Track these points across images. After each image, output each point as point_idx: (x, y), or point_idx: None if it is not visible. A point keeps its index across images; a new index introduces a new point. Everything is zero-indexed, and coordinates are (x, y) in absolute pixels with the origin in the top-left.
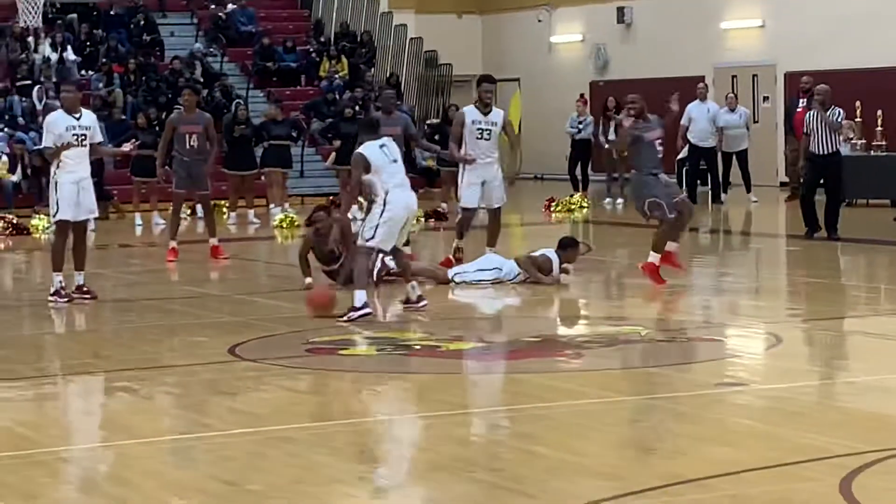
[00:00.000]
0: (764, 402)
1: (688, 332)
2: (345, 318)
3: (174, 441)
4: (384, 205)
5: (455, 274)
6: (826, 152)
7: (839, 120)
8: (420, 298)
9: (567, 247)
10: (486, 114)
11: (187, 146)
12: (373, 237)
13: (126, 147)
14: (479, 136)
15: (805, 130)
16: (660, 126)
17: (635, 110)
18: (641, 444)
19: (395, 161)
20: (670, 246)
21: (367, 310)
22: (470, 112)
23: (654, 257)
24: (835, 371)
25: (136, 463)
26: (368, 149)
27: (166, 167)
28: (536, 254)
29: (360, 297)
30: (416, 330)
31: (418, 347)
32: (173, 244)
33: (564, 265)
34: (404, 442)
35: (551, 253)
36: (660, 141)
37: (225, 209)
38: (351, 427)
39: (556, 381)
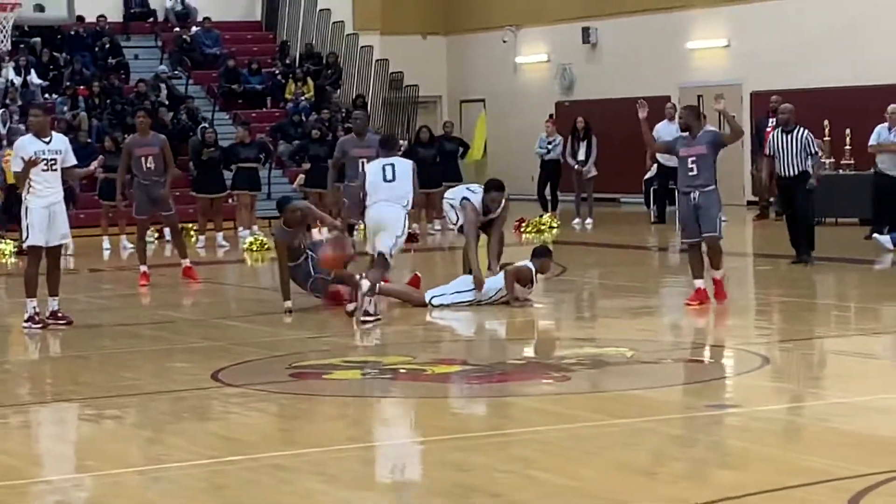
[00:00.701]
0: (759, 423)
1: (673, 353)
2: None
3: (165, 469)
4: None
5: (433, 297)
6: (793, 174)
7: (814, 148)
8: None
9: (541, 255)
10: (486, 214)
11: (144, 168)
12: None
13: (93, 165)
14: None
15: (769, 152)
16: (707, 143)
17: (682, 125)
18: (641, 468)
19: (390, 181)
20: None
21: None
22: (478, 205)
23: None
24: (825, 392)
25: (129, 492)
26: (372, 165)
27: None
28: (520, 264)
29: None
30: (399, 353)
31: (403, 371)
32: (144, 269)
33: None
34: (399, 468)
35: (530, 263)
36: (693, 158)
37: (193, 232)
38: (343, 453)
39: (546, 404)
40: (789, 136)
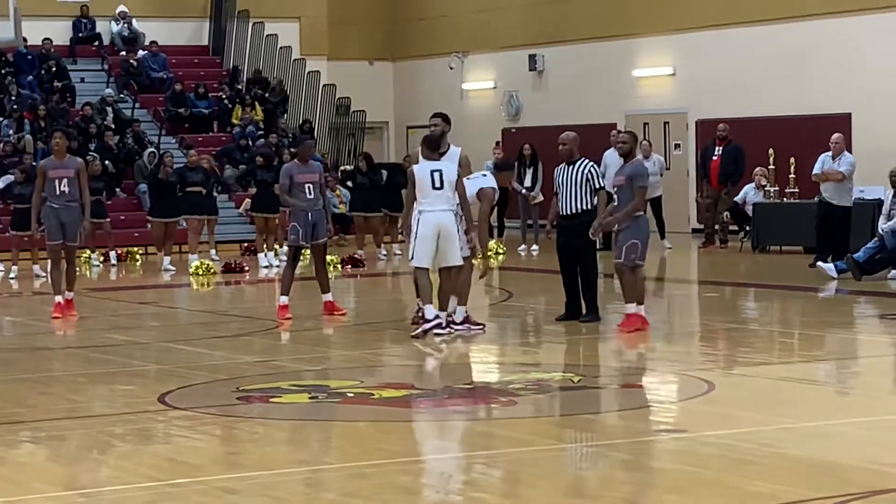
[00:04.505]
0: (706, 448)
1: (619, 378)
2: (420, 331)
3: (112, 491)
4: (417, 224)
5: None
6: (572, 212)
7: (598, 183)
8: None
9: (502, 169)
10: None
11: (57, 192)
12: (412, 257)
13: None
14: None
15: (554, 188)
16: (626, 172)
17: (622, 150)
18: (589, 493)
19: (438, 188)
20: None
21: (438, 321)
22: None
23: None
24: (772, 417)
25: None
26: (421, 169)
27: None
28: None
29: (429, 311)
30: (346, 377)
31: (351, 395)
32: (59, 299)
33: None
34: (348, 492)
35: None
36: (615, 188)
37: (139, 256)
38: (292, 476)
39: (495, 428)
40: (571, 169)
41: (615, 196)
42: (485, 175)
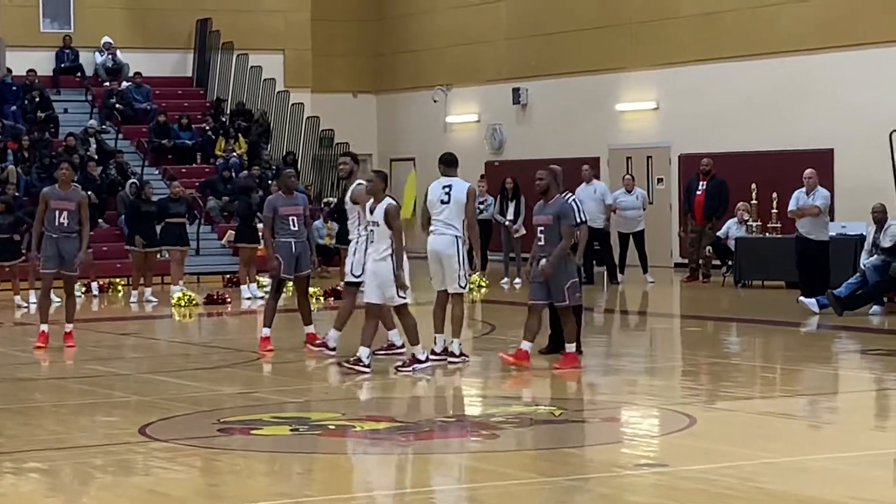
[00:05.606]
0: (687, 483)
1: (601, 412)
2: (409, 369)
3: None
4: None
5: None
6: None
7: (579, 217)
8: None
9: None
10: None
11: (56, 223)
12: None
13: None
14: None
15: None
16: (552, 211)
17: (540, 187)
18: None
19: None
20: None
21: (429, 363)
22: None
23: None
24: (753, 452)
25: None
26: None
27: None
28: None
29: (419, 351)
30: (327, 409)
31: (332, 427)
32: (44, 328)
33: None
34: None
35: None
36: (541, 228)
37: (121, 287)
38: None
39: (476, 461)
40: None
41: (540, 236)
42: (451, 185)
